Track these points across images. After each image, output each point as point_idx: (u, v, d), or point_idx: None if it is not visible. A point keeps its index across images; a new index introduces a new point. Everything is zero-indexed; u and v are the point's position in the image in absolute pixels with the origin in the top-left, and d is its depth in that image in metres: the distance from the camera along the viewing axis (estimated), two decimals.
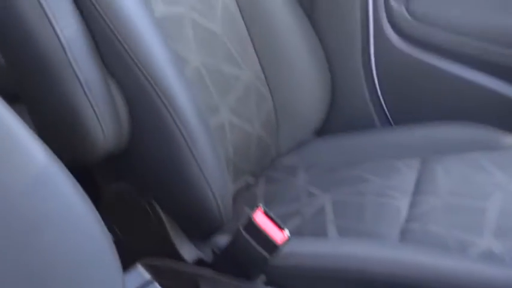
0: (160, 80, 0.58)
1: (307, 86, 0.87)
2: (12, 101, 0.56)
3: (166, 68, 0.59)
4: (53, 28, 0.54)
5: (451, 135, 0.85)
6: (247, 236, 0.59)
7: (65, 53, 0.55)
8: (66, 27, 0.55)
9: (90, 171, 0.70)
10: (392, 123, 0.95)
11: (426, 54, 0.88)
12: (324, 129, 0.93)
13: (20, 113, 0.40)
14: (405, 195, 0.70)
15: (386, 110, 0.95)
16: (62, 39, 0.55)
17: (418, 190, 0.71)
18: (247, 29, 0.82)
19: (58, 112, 0.58)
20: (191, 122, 0.60)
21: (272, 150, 0.85)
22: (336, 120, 0.94)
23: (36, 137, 0.39)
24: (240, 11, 0.82)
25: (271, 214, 0.59)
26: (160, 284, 0.49)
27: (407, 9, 0.88)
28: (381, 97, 0.94)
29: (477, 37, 0.85)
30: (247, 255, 0.60)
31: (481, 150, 0.79)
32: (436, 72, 0.88)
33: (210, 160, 0.62)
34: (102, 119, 0.58)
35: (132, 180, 0.66)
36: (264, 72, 0.84)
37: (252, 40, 0.83)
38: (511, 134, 0.82)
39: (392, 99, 0.94)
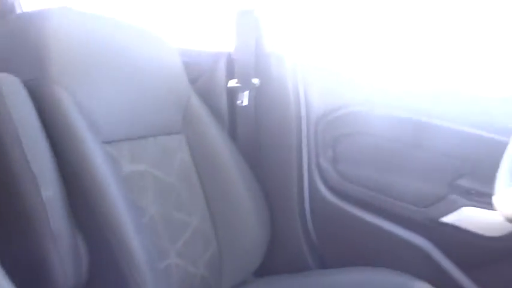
0: (120, 234, 0.67)
1: (249, 230, 0.97)
2: None
3: (126, 222, 0.69)
4: (37, 185, 0.63)
5: (373, 280, 0.96)
6: None
7: (45, 209, 0.63)
8: (48, 187, 0.64)
9: None
10: (326, 265, 1.06)
11: (351, 206, 1.03)
12: (264, 271, 1.03)
13: None
14: None
15: (319, 253, 1.06)
16: (44, 196, 0.63)
17: None
18: (200, 179, 0.95)
19: (27, 257, 0.64)
20: (144, 274, 0.68)
21: None
22: (275, 262, 1.04)
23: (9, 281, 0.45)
24: (194, 164, 0.95)
25: None
26: None
27: (334, 169, 1.04)
28: (314, 242, 1.06)
29: (383, 192, 1.00)
30: None
31: None
32: (359, 222, 1.02)
33: None
34: (68, 267, 0.64)
35: None
36: (211, 217, 0.94)
37: (202, 188, 0.95)
38: (424, 281, 0.94)
39: (325, 244, 1.06)
